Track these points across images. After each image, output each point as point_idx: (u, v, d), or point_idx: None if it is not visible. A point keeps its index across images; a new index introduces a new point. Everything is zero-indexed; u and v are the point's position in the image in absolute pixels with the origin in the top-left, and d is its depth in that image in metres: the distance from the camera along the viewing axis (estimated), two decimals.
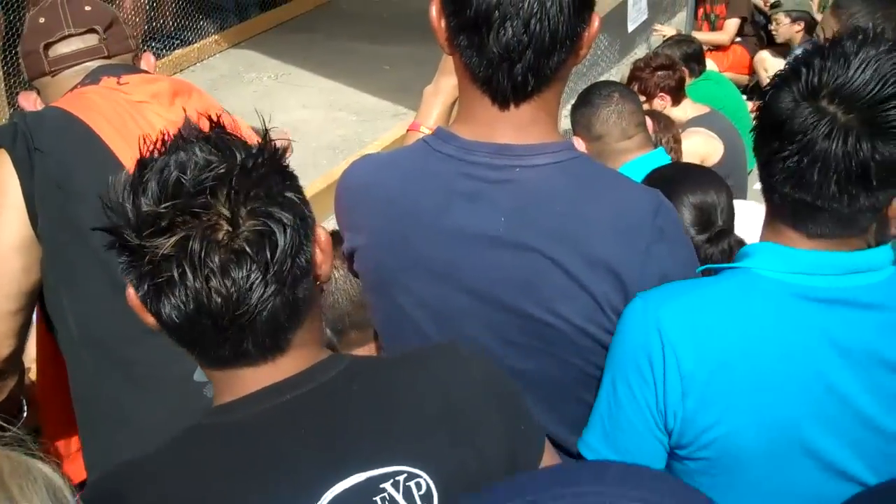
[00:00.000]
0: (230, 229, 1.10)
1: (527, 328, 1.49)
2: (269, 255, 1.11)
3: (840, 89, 1.35)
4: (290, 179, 1.19)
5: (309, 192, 3.23)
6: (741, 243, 2.27)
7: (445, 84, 1.95)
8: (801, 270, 1.41)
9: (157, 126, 2.11)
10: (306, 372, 1.20)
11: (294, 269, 1.15)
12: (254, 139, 1.19)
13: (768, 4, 6.17)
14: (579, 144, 2.76)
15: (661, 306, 1.41)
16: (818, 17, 5.28)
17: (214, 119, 1.19)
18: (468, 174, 1.50)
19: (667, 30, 6.60)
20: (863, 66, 1.35)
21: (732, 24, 6.57)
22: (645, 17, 5.83)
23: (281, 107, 7.04)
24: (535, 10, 1.39)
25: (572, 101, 3.23)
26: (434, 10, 1.50)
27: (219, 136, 1.15)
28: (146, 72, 2.27)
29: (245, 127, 2.28)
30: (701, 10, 6.52)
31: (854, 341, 1.40)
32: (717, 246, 2.27)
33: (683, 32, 6.24)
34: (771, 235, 1.47)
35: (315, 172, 5.73)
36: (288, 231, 1.13)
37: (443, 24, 1.49)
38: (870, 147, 1.34)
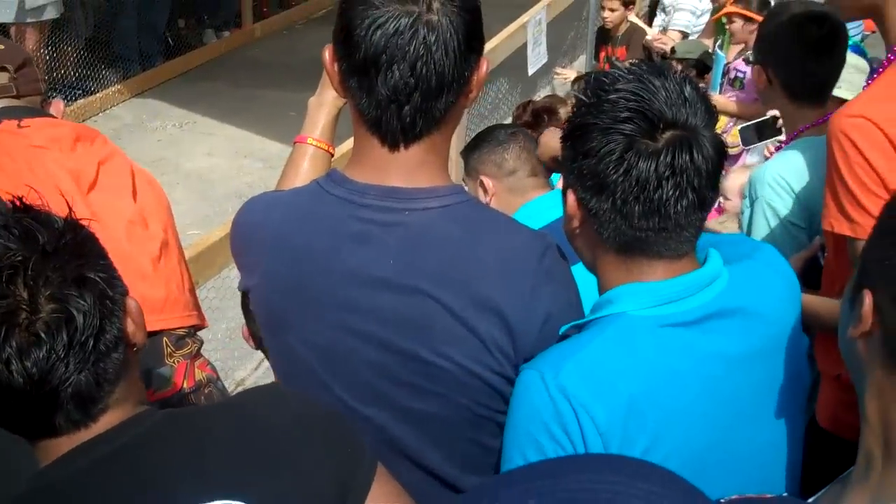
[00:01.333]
0: (29, 314, 1.17)
1: (416, 369, 1.51)
2: (67, 338, 1.18)
3: (662, 116, 1.42)
4: (93, 258, 1.25)
5: (213, 240, 3.19)
6: None
7: (328, 95, 1.98)
8: (666, 300, 1.48)
9: (54, 173, 2.09)
10: (119, 427, 1.26)
11: (98, 347, 1.22)
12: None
13: (659, 47, 6.36)
14: (489, 183, 2.83)
15: (560, 372, 1.43)
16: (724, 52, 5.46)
17: (19, 201, 1.25)
18: (359, 217, 1.52)
19: (568, 72, 6.75)
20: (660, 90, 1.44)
21: None
22: (545, 59, 5.95)
23: (186, 155, 7.00)
24: (421, 54, 1.43)
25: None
26: (328, 55, 1.54)
27: (19, 221, 1.21)
28: (52, 116, 2.25)
29: (141, 174, 2.27)
30: (602, 53, 6.69)
31: (735, 347, 1.49)
32: None
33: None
34: (625, 276, 1.52)
35: (220, 220, 5.70)
36: (86, 314, 1.20)
37: (336, 68, 1.53)
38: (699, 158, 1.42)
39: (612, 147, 1.42)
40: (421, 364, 1.51)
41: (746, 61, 4.98)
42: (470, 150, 3.03)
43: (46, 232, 1.20)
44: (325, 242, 1.53)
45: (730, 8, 5.44)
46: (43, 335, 1.16)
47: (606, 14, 6.43)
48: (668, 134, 1.42)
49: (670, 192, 1.42)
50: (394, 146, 1.51)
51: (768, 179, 2.57)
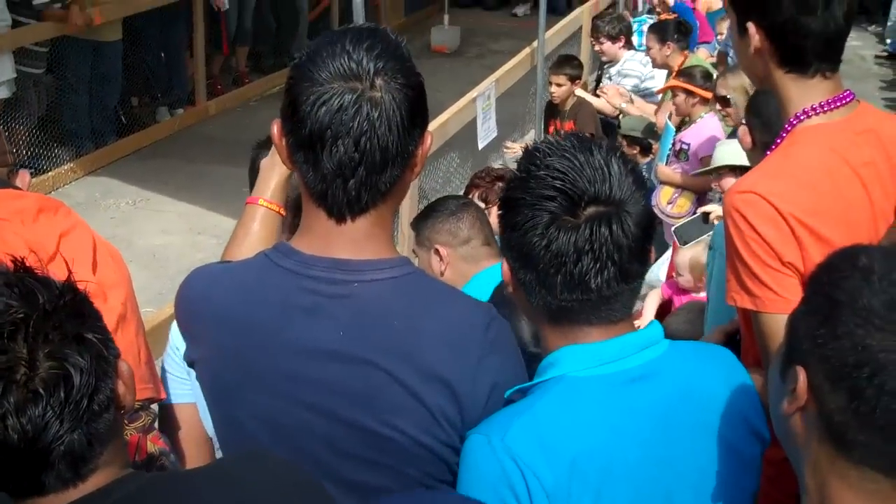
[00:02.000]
0: (28, 370, 1.19)
1: (364, 441, 1.53)
2: (63, 396, 1.20)
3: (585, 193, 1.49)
4: (90, 319, 1.28)
5: (166, 315, 3.18)
6: None
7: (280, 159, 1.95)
8: (606, 360, 1.54)
9: (12, 245, 2.10)
10: (107, 487, 1.27)
11: (92, 406, 1.24)
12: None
13: (610, 109, 6.51)
14: (444, 252, 2.86)
15: (507, 434, 1.47)
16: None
17: (20, 261, 1.28)
18: (307, 288, 1.54)
19: (517, 146, 6.86)
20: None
21: None
22: (495, 134, 6.06)
23: (139, 232, 6.98)
24: (364, 130, 1.47)
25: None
26: (275, 129, 1.58)
27: (21, 280, 1.24)
28: (17, 188, 2.27)
29: (104, 246, 2.29)
30: (551, 128, 6.82)
31: (663, 409, 1.54)
32: None
33: None
34: (561, 339, 1.57)
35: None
36: (83, 373, 1.22)
37: (283, 142, 1.57)
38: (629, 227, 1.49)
39: (535, 222, 1.49)
40: (370, 435, 1.52)
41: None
42: (422, 220, 3.07)
43: (46, 291, 1.23)
44: (274, 315, 1.55)
45: (673, 81, 5.60)
46: (41, 391, 1.18)
47: (553, 89, 6.58)
48: (589, 210, 1.48)
49: (589, 265, 1.48)
50: (340, 219, 1.55)
51: None
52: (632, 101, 6.50)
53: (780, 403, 1.35)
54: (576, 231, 1.47)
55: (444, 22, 11.84)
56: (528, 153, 1.56)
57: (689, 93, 5.37)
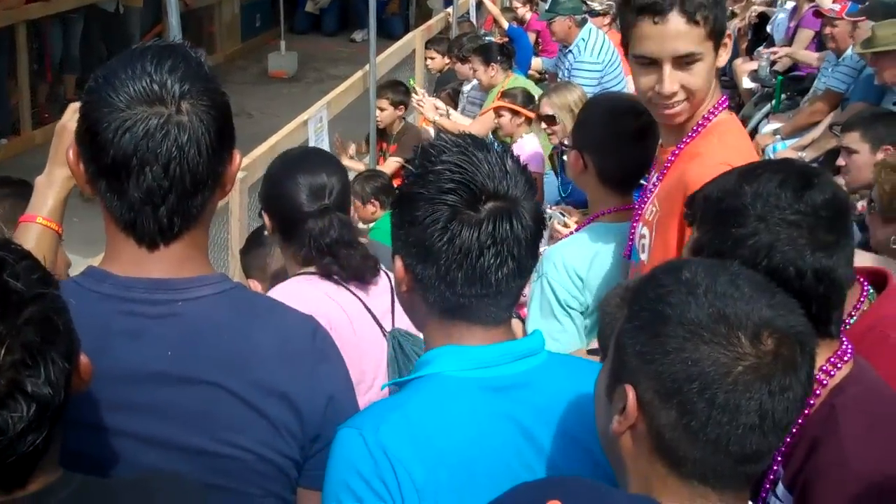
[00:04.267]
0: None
1: (203, 464, 1.48)
2: (29, 407, 1.18)
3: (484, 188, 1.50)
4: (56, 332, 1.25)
5: None
6: (344, 222, 2.48)
7: (58, 175, 1.87)
8: (483, 365, 1.55)
9: None
10: (48, 488, 1.24)
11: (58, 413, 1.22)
12: None
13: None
14: (257, 287, 2.83)
15: (379, 429, 1.47)
16: None
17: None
18: (128, 311, 1.48)
19: (355, 165, 6.89)
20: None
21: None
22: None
23: None
24: (174, 155, 1.43)
25: None
26: (72, 154, 1.51)
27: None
28: None
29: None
30: (378, 148, 6.92)
31: (529, 418, 1.56)
32: (320, 221, 2.44)
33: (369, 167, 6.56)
34: (446, 338, 1.57)
35: None
36: (52, 386, 1.20)
37: (81, 167, 1.50)
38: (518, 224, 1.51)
39: (436, 216, 1.48)
40: (208, 458, 1.48)
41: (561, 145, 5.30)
42: (244, 253, 3.07)
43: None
44: (93, 342, 1.43)
45: (498, 102, 5.74)
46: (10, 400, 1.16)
47: (377, 113, 6.73)
48: (489, 205, 1.49)
49: (492, 261, 1.49)
50: (152, 246, 1.50)
51: (554, 258, 2.72)
52: (448, 115, 6.65)
53: (608, 423, 1.36)
54: (479, 226, 1.48)
55: (280, 48, 11.78)
56: (423, 151, 1.55)
57: (515, 113, 5.51)
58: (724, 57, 2.27)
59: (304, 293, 2.39)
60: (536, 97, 5.81)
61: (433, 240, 1.49)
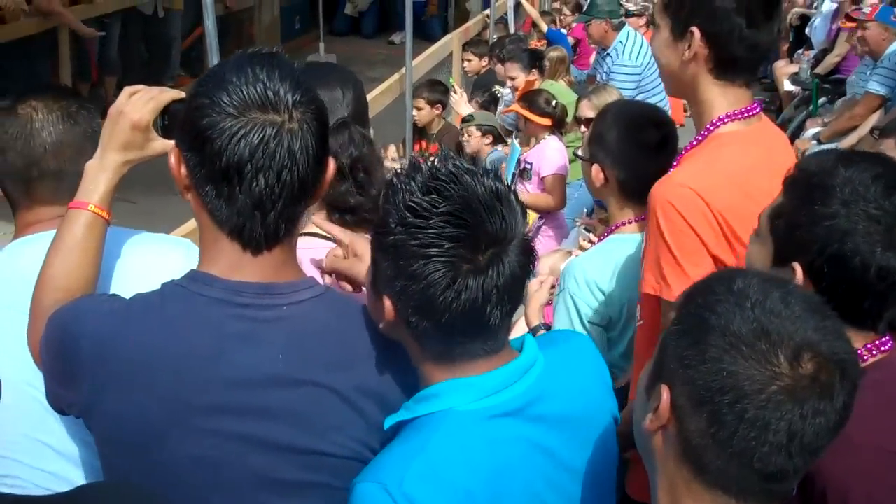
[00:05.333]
0: None
1: (299, 463, 1.51)
2: None
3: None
4: None
5: None
6: (364, 136, 2.18)
7: (111, 161, 1.79)
8: (490, 392, 1.52)
9: None
10: None
11: None
12: None
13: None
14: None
15: (404, 481, 1.43)
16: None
17: None
18: (239, 315, 1.51)
19: (392, 154, 6.92)
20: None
21: None
22: None
23: None
24: (286, 162, 1.45)
25: None
26: (173, 159, 1.54)
27: None
28: None
29: None
30: (417, 147, 6.94)
31: (552, 436, 1.57)
32: (336, 137, 2.02)
33: None
34: (446, 373, 1.52)
35: None
36: None
37: (183, 172, 1.52)
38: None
39: (440, 273, 1.41)
40: (311, 457, 1.52)
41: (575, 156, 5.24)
42: None
43: None
44: (208, 347, 1.49)
45: (514, 106, 5.72)
46: None
47: (414, 112, 6.71)
48: (490, 251, 1.42)
49: (494, 305, 1.45)
50: (257, 251, 1.52)
51: (575, 273, 2.72)
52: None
53: (643, 419, 1.37)
54: (483, 275, 1.42)
55: (319, 50, 11.85)
56: (412, 187, 1.44)
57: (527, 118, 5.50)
58: (678, 49, 2.16)
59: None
60: (569, 101, 5.78)
61: (437, 297, 1.42)
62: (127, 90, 1.81)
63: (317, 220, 2.05)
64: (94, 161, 1.82)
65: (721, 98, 2.16)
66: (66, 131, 1.99)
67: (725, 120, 2.15)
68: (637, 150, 2.71)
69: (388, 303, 1.49)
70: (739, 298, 1.31)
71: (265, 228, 1.50)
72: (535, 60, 6.78)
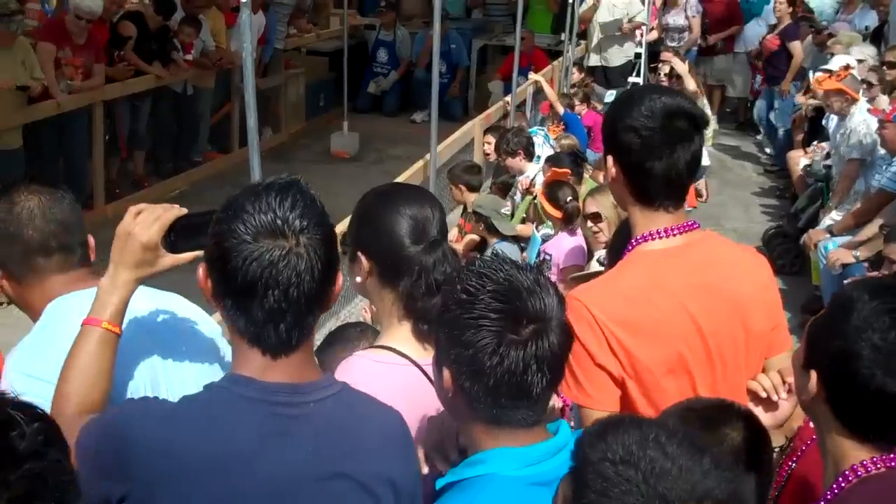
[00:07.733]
0: None
1: None
2: None
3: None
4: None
5: None
6: (454, 252, 2.32)
7: (122, 279, 1.94)
8: (531, 462, 1.74)
9: None
10: None
11: None
12: None
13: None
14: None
15: None
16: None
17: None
18: (274, 414, 1.69)
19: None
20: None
21: None
22: None
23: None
24: (293, 281, 1.66)
25: None
26: (201, 272, 1.75)
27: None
28: None
29: None
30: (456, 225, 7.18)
31: None
32: (431, 254, 2.20)
33: None
34: (492, 440, 1.75)
35: None
36: None
37: (209, 284, 1.73)
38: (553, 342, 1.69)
39: (486, 342, 1.66)
40: None
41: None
42: (322, 351, 3.18)
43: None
44: (251, 445, 1.67)
45: (536, 191, 5.94)
46: None
47: (455, 193, 7.12)
48: (530, 328, 1.67)
49: (534, 377, 1.68)
50: (276, 356, 1.72)
51: None
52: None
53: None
54: (524, 347, 1.67)
55: (343, 128, 12.09)
56: (465, 275, 1.73)
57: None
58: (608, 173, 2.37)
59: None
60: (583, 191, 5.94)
61: (484, 361, 1.67)
62: (132, 210, 1.97)
63: (401, 331, 2.18)
64: (107, 280, 1.96)
65: (642, 220, 2.32)
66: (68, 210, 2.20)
67: (641, 241, 2.31)
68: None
69: (447, 373, 1.74)
70: (626, 469, 1.44)
71: (279, 337, 1.71)
72: (577, 162, 6.79)
